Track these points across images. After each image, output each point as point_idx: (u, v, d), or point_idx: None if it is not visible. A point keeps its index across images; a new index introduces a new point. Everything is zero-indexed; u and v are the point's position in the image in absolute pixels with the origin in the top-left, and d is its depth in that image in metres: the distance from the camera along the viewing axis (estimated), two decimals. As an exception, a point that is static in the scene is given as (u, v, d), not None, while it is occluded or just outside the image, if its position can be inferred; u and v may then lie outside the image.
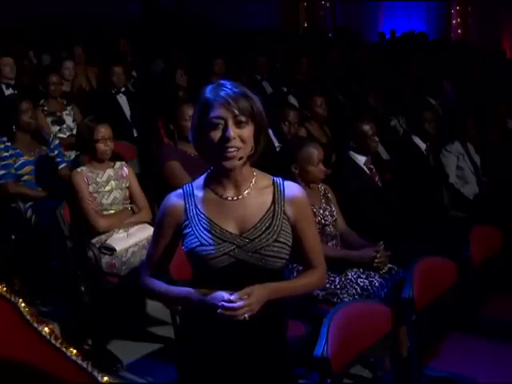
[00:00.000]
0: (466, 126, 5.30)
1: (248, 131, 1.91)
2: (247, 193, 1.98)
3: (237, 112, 1.88)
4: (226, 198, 1.98)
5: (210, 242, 1.93)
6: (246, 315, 1.86)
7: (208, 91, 1.93)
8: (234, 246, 1.93)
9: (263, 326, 1.96)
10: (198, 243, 1.93)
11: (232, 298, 1.86)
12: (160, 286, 2.06)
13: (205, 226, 1.95)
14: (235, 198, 1.97)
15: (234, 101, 1.88)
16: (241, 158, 1.91)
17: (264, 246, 1.93)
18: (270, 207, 1.98)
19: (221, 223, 1.95)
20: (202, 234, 1.94)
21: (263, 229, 1.95)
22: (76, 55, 7.35)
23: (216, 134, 1.89)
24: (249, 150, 1.93)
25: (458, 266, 3.15)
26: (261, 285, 1.91)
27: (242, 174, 1.97)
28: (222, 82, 1.95)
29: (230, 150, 1.88)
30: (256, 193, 1.99)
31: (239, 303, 1.85)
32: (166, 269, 2.14)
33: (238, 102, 1.89)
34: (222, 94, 1.89)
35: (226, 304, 1.86)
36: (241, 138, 1.89)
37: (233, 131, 1.88)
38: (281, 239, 1.95)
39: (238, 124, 1.89)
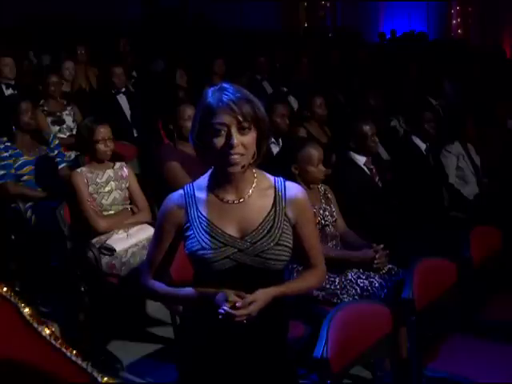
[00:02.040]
0: (466, 127, 5.30)
1: (251, 137, 1.89)
2: (248, 196, 1.97)
3: (240, 118, 1.85)
4: (228, 202, 1.96)
5: (211, 245, 1.92)
6: (244, 320, 1.87)
7: (210, 95, 1.89)
8: (236, 250, 1.92)
9: (264, 326, 1.96)
10: (200, 246, 1.93)
11: (238, 305, 1.86)
12: (163, 287, 2.06)
13: (206, 229, 1.94)
14: (236, 202, 1.96)
15: (238, 106, 1.85)
16: (243, 166, 1.90)
17: (265, 250, 1.92)
18: (271, 210, 1.97)
19: (222, 226, 1.94)
20: (203, 238, 1.93)
21: (264, 232, 1.94)
22: (78, 55, 7.35)
23: (219, 141, 1.86)
24: (251, 156, 1.91)
25: (457, 266, 3.14)
26: (264, 291, 1.91)
27: (243, 177, 1.95)
28: (224, 85, 1.91)
29: (233, 157, 1.86)
30: (257, 195, 1.98)
31: (239, 312, 1.85)
32: (167, 270, 2.13)
33: (242, 107, 1.85)
34: (225, 99, 1.85)
35: (227, 310, 1.85)
36: (243, 144, 1.87)
37: (236, 138, 1.85)
38: (282, 242, 1.94)
39: (241, 130, 1.87)
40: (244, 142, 1.87)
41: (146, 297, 3.45)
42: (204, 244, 1.92)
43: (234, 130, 1.86)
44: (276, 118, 4.99)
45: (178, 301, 2.22)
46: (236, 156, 1.86)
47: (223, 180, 1.96)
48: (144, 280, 2.09)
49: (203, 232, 1.94)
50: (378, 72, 8.10)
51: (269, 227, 1.95)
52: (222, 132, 1.86)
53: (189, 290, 1.99)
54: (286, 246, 1.95)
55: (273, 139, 5.02)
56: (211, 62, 7.44)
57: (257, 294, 1.89)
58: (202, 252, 1.92)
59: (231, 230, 1.94)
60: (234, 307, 1.86)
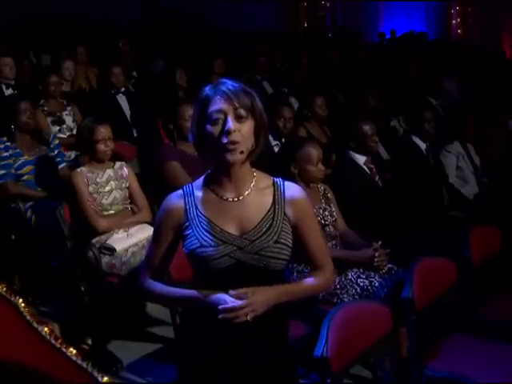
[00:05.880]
0: (466, 126, 5.30)
1: (248, 126, 1.90)
2: (247, 193, 1.97)
3: (237, 105, 1.88)
4: (227, 199, 1.97)
5: (211, 243, 1.92)
6: (248, 316, 1.85)
7: (208, 88, 1.94)
8: (235, 248, 1.92)
9: (264, 325, 1.95)
10: (199, 244, 1.92)
11: (231, 292, 1.86)
12: (161, 287, 2.05)
13: (205, 227, 1.94)
14: (235, 199, 1.97)
15: (234, 94, 1.88)
16: (242, 152, 1.90)
17: (264, 248, 1.92)
18: (270, 208, 1.97)
19: (221, 224, 1.94)
20: (202, 236, 1.93)
21: (264, 230, 1.94)
22: (78, 55, 7.35)
23: (216, 129, 1.88)
24: (249, 145, 1.92)
25: (458, 266, 3.15)
26: (263, 288, 1.90)
27: (242, 174, 1.96)
28: (221, 80, 1.95)
29: (230, 143, 1.87)
30: (256, 193, 1.98)
31: (240, 302, 1.84)
32: (166, 271, 2.12)
33: (239, 95, 1.89)
34: (223, 88, 1.90)
35: (226, 305, 1.85)
36: (241, 132, 1.88)
37: (233, 124, 1.87)
38: (281, 240, 1.94)
39: (239, 118, 1.88)
40: (241, 129, 1.88)
41: (143, 298, 3.44)
42: (203, 242, 1.92)
43: (230, 117, 1.87)
44: (281, 120, 5.01)
45: (174, 302, 2.20)
46: (233, 143, 1.87)
47: (222, 177, 1.96)
48: (142, 281, 2.08)
49: (202, 230, 1.94)
50: (377, 72, 8.10)
51: (268, 225, 1.95)
52: (220, 120, 1.88)
53: (186, 292, 1.98)
54: (285, 245, 1.95)
55: (277, 141, 5.04)
56: (211, 62, 7.45)
57: (255, 288, 1.88)
58: (201, 250, 1.91)
59: (230, 228, 1.94)
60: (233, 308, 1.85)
